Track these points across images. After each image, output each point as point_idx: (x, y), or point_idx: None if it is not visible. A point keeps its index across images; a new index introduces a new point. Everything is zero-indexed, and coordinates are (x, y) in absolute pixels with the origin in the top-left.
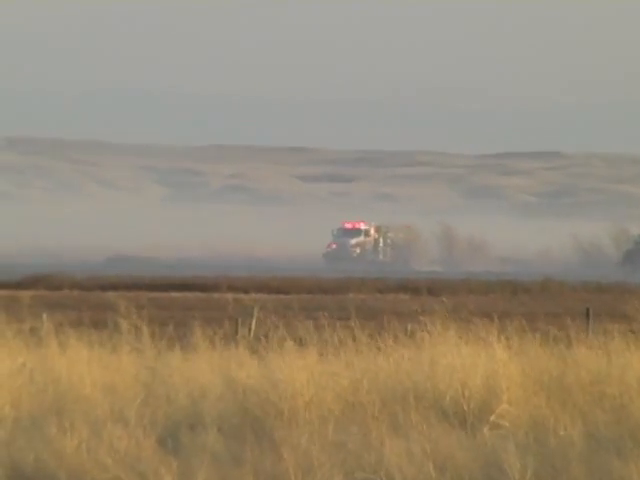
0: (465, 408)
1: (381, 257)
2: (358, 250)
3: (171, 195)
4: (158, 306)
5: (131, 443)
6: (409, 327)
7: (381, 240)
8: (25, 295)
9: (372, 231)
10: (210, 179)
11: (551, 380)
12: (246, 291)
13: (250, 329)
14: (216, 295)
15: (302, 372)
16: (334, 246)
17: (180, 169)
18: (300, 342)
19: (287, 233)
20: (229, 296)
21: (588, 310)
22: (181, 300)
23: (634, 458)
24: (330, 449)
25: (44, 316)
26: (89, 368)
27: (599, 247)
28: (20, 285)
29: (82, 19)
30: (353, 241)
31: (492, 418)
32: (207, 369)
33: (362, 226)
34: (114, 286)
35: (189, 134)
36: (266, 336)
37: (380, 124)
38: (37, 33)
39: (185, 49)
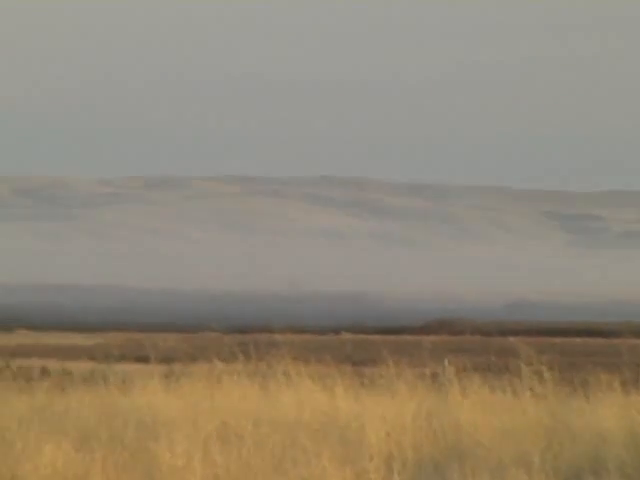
0: None
1: None
2: None
3: (573, 241)
4: (559, 352)
5: None
6: None
7: None
8: (428, 340)
9: None
10: (610, 224)
11: None
12: None
13: None
14: (617, 341)
15: None
16: None
17: (581, 215)
18: None
19: None
20: (629, 342)
21: None
22: (582, 345)
23: None
24: None
25: (445, 361)
26: (485, 411)
27: None
28: (424, 329)
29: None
30: None
31: None
32: (609, 414)
33: None
34: (513, 331)
35: (589, 179)
36: None
37: None
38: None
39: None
